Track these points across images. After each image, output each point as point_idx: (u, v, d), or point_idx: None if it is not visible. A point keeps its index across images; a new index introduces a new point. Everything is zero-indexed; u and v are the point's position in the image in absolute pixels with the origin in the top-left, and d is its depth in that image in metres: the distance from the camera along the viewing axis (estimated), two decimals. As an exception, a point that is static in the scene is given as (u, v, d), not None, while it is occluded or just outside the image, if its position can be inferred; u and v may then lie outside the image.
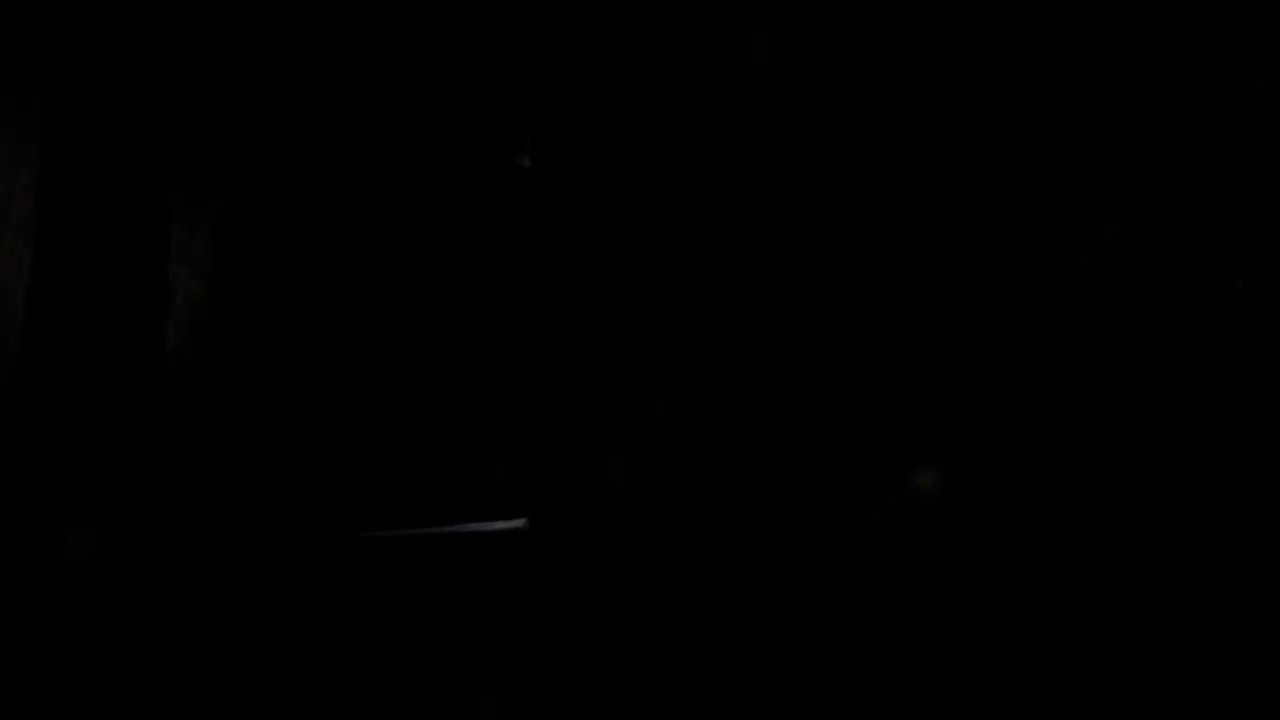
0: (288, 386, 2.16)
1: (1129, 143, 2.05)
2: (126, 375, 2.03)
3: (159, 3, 2.15)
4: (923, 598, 1.99)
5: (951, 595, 1.98)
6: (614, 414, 2.20)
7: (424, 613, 2.10)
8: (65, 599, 1.91)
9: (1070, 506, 1.97)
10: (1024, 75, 2.11)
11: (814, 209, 2.17)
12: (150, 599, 2.00)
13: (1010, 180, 2.10)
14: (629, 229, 2.25)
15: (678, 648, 2.06)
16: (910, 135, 2.15)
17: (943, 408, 2.03)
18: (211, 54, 2.21)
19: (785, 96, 2.21)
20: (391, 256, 2.29)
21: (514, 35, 2.35)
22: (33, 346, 1.90)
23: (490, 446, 2.31)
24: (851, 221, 2.15)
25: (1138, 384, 1.98)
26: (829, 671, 2.00)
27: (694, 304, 2.20)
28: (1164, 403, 1.96)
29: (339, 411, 2.20)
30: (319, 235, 2.24)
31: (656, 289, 2.22)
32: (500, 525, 2.22)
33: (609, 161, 2.28)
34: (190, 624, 2.02)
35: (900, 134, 2.15)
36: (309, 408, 2.17)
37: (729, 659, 2.03)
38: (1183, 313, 1.98)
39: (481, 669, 2.08)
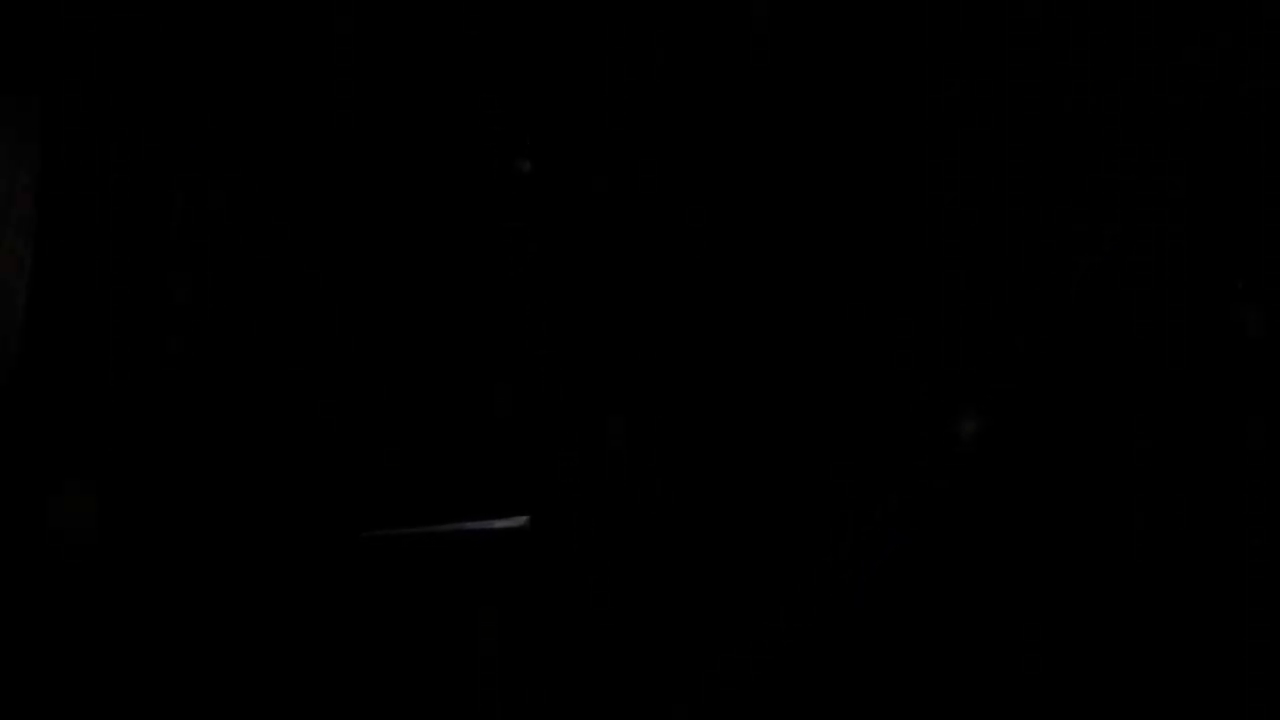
0: (288, 386, 2.16)
1: (1129, 143, 2.05)
2: (127, 375, 2.03)
3: (159, 3, 2.15)
4: (923, 598, 1.99)
5: (952, 595, 1.98)
6: (614, 413, 2.20)
7: (425, 611, 2.10)
8: (65, 599, 1.91)
9: (1070, 506, 1.97)
10: (1024, 75, 2.11)
11: (814, 209, 2.17)
12: (150, 599, 2.01)
13: (1010, 180, 2.10)
14: (629, 229, 2.25)
15: (678, 647, 2.06)
16: (910, 135, 2.15)
17: (942, 408, 2.03)
18: (212, 54, 2.21)
19: (785, 96, 2.21)
20: (391, 256, 2.29)
21: (514, 35, 2.36)
22: (33, 346, 1.90)
23: (490, 446, 2.31)
24: (852, 221, 2.16)
25: (1138, 384, 1.98)
26: (829, 671, 2.00)
27: (694, 304, 2.20)
28: (1164, 403, 1.96)
29: (339, 410, 2.20)
30: (319, 235, 2.24)
31: (657, 289, 2.22)
32: (501, 523, 2.21)
33: (609, 162, 2.28)
34: (190, 624, 2.02)
35: (900, 134, 2.16)
36: (309, 407, 2.17)
37: (729, 659, 2.03)
38: (1183, 313, 1.98)
39: (482, 668, 2.08)
